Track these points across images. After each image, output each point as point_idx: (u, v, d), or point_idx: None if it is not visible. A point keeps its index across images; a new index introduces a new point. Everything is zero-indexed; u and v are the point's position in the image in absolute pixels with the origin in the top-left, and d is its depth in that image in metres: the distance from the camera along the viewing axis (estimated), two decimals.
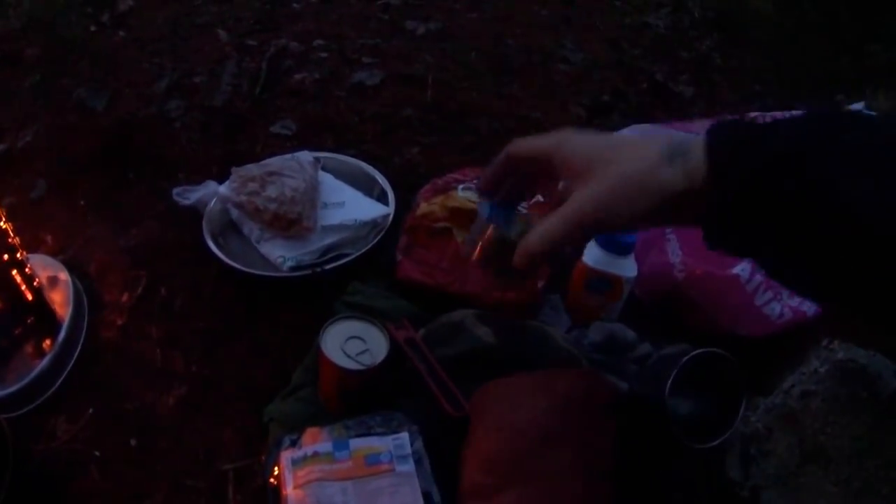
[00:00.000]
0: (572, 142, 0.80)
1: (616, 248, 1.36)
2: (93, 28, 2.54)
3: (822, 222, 0.63)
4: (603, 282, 1.39)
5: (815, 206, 0.63)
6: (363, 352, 1.23)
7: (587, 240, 1.37)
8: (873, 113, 1.46)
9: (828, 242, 0.64)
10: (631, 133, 0.82)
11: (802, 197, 0.64)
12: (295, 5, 2.61)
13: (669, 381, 1.15)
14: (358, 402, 1.22)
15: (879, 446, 1.10)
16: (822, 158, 0.64)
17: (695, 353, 1.19)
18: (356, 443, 1.11)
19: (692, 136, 0.73)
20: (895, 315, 0.69)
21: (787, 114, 1.55)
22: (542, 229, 0.80)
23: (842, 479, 1.11)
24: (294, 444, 1.13)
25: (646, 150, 0.75)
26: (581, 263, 1.39)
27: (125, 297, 1.55)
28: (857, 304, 0.76)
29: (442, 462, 1.12)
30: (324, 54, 2.31)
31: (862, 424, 1.12)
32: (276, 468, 1.12)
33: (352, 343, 1.24)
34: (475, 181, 1.58)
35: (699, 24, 2.76)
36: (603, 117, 2.12)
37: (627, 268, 1.38)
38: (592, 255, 1.38)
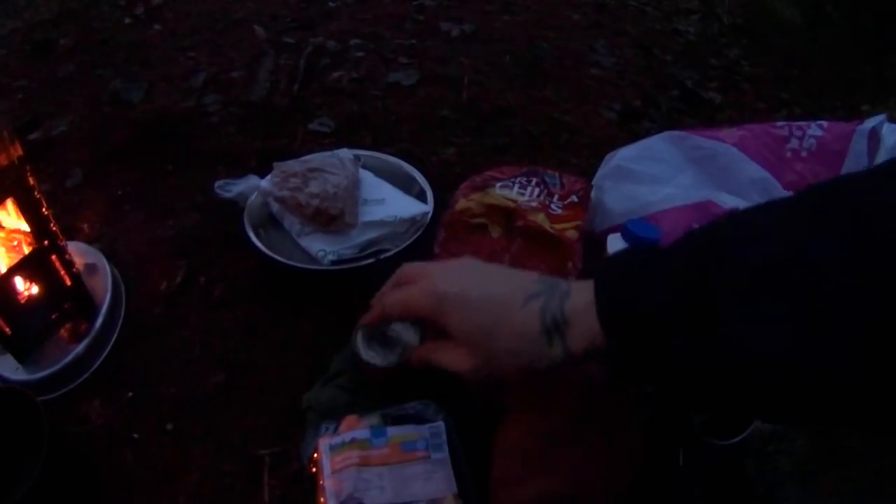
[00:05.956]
0: (451, 306, 0.85)
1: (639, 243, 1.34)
2: (127, 20, 2.58)
3: (713, 367, 0.65)
4: None
5: (714, 356, 0.65)
6: (395, 348, 1.24)
7: None
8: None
9: (719, 384, 0.66)
10: (516, 274, 0.88)
11: (694, 350, 0.66)
12: (331, 4, 2.63)
13: None
14: (392, 392, 1.24)
15: (892, 447, 1.11)
16: (704, 309, 0.65)
17: None
18: (393, 430, 1.13)
19: (570, 296, 0.78)
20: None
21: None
22: (425, 362, 0.93)
23: (855, 479, 1.13)
24: (332, 431, 1.15)
25: (526, 325, 0.78)
26: (606, 256, 1.38)
27: (164, 286, 1.57)
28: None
29: (476, 450, 1.14)
30: (360, 53, 2.33)
31: None
32: (314, 454, 1.13)
33: (386, 338, 1.25)
34: (511, 180, 1.60)
35: (728, 31, 2.78)
36: (634, 123, 2.12)
37: None
38: (616, 249, 1.36)
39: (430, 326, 0.94)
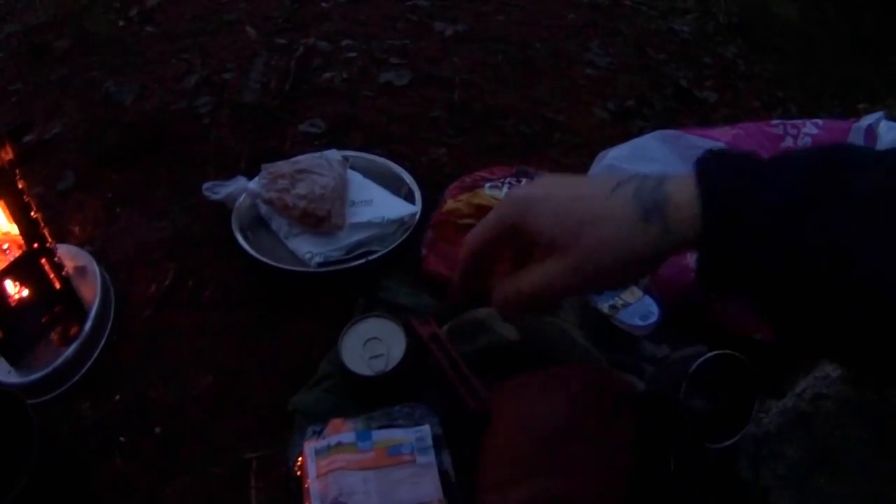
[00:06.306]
0: (538, 206, 0.77)
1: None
2: (121, 23, 2.58)
3: (822, 282, 0.61)
4: None
5: (815, 264, 0.61)
6: (379, 356, 1.24)
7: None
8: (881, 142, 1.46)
9: (827, 301, 0.62)
10: (603, 173, 0.81)
11: (802, 255, 0.62)
12: (323, 5, 2.63)
13: (685, 383, 1.17)
14: (379, 399, 1.24)
15: (888, 451, 1.11)
16: (822, 214, 0.61)
17: (709, 354, 1.20)
18: (379, 434, 1.13)
19: (667, 178, 0.72)
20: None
21: (804, 128, 1.56)
22: (511, 292, 0.80)
23: (850, 483, 1.12)
24: (318, 434, 1.14)
25: (620, 207, 0.72)
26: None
27: (153, 289, 1.57)
28: (854, 362, 0.76)
29: (462, 454, 1.14)
30: (352, 54, 2.32)
31: (871, 428, 1.12)
32: (299, 458, 1.13)
33: (371, 345, 1.25)
34: (501, 180, 1.59)
35: (724, 30, 2.76)
36: (627, 122, 2.12)
37: None
38: None
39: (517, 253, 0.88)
